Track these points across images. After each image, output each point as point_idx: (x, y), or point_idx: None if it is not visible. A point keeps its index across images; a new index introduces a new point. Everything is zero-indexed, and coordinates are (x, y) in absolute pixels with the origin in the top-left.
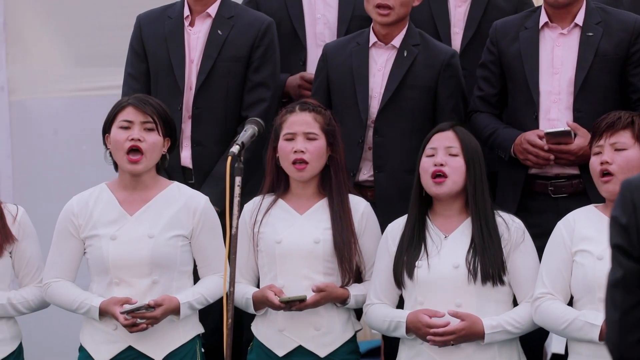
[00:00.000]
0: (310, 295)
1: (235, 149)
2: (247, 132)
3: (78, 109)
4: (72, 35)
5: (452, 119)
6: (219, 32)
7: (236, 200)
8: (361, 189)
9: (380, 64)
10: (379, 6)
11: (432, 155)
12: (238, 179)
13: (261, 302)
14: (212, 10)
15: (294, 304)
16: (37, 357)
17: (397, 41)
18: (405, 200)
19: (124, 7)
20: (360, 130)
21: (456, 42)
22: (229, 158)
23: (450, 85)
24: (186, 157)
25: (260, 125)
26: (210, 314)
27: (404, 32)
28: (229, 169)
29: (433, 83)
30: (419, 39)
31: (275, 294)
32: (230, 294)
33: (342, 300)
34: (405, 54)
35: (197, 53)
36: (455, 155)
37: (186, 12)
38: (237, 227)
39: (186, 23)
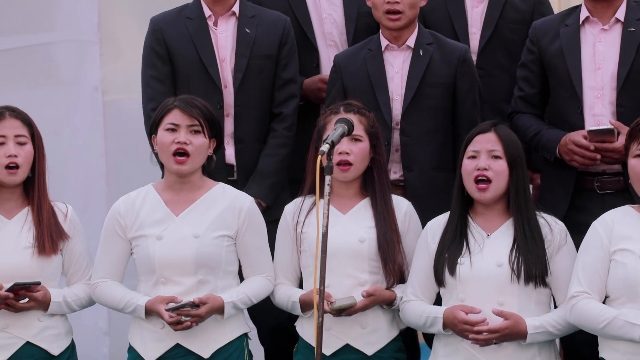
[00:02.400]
0: (359, 300)
1: (325, 147)
2: (337, 130)
3: None
4: None
5: (473, 113)
6: (247, 30)
7: (326, 198)
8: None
9: (397, 67)
10: (388, 12)
11: (474, 157)
12: (328, 178)
13: (311, 307)
14: (235, 9)
15: (345, 311)
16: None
17: (411, 41)
18: (437, 197)
19: None
20: (385, 134)
21: (474, 42)
22: (319, 157)
23: (468, 80)
24: (230, 154)
25: (350, 125)
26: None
27: (415, 32)
28: (319, 167)
29: (451, 79)
30: (431, 37)
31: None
32: (320, 292)
33: (389, 302)
34: (421, 53)
35: (227, 52)
36: (498, 158)
37: (207, 12)
38: (326, 226)
39: (210, 23)
